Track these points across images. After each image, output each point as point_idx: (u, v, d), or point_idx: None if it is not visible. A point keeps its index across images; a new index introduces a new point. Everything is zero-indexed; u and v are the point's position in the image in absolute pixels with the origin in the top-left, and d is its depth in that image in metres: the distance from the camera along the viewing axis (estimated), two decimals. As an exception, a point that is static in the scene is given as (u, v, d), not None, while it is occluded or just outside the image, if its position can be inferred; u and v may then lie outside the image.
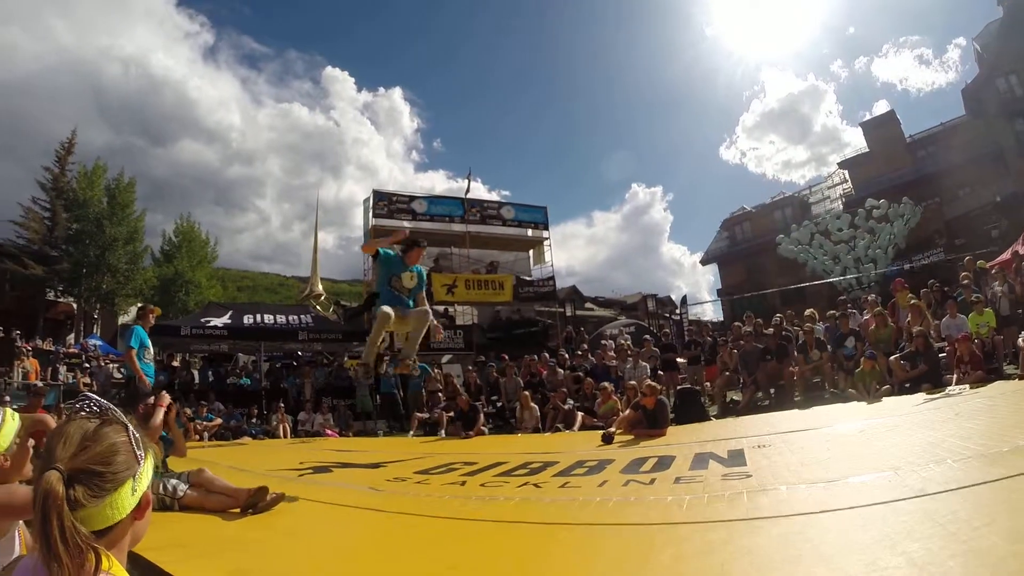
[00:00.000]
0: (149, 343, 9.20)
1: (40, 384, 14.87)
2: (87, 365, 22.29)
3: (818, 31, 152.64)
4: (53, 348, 23.40)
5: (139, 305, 36.96)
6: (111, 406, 1.45)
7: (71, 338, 32.23)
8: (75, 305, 35.13)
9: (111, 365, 22.53)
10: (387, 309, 6.97)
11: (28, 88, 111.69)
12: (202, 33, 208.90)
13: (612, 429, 9.87)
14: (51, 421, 3.33)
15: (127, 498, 1.37)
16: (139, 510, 1.42)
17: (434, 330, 7.81)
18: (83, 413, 1.42)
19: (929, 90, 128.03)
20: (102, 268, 33.84)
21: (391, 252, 7.29)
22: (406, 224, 26.02)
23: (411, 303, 7.41)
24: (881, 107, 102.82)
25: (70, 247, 33.72)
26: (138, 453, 1.43)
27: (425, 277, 7.62)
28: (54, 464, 1.29)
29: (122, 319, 36.68)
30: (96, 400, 1.45)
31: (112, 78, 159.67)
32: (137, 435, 1.45)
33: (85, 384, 19.47)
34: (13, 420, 2.87)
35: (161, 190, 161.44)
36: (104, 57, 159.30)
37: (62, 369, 20.79)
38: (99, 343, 27.42)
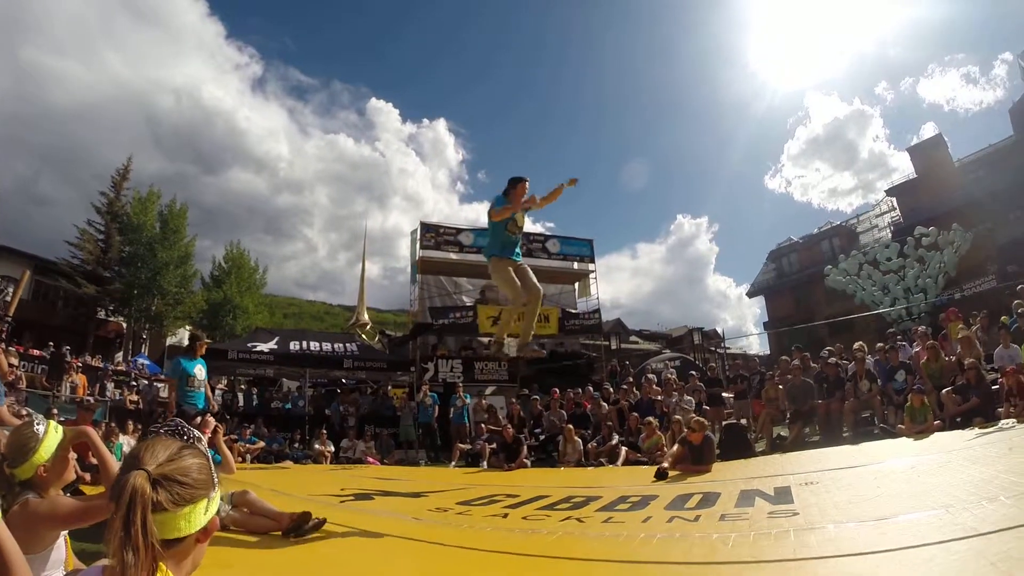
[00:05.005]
0: (195, 371, 9.36)
1: (90, 399, 15.17)
2: (134, 383, 22.63)
3: (862, 53, 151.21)
4: (102, 365, 23.76)
5: (188, 328, 37.82)
6: (196, 434, 1.61)
7: (119, 356, 32.88)
8: (125, 325, 36.16)
9: (158, 385, 22.89)
10: (502, 263, 7.57)
11: (86, 116, 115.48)
12: (251, 65, 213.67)
13: (665, 465, 9.74)
14: (93, 432, 3.45)
15: (200, 515, 1.49)
16: (205, 532, 1.52)
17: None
18: (166, 435, 1.56)
19: (977, 109, 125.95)
20: (152, 290, 34.74)
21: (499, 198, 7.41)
22: (453, 256, 26.33)
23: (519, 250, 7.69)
24: (929, 130, 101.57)
25: (122, 269, 34.80)
26: (214, 478, 1.55)
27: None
28: (142, 467, 1.41)
29: (170, 340, 37.44)
30: (184, 427, 1.62)
31: (165, 108, 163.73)
32: (213, 465, 1.58)
33: (132, 402, 19.75)
34: (56, 433, 3.02)
35: (211, 217, 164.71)
36: (157, 88, 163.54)
37: (110, 386, 21.06)
38: (147, 362, 27.89)
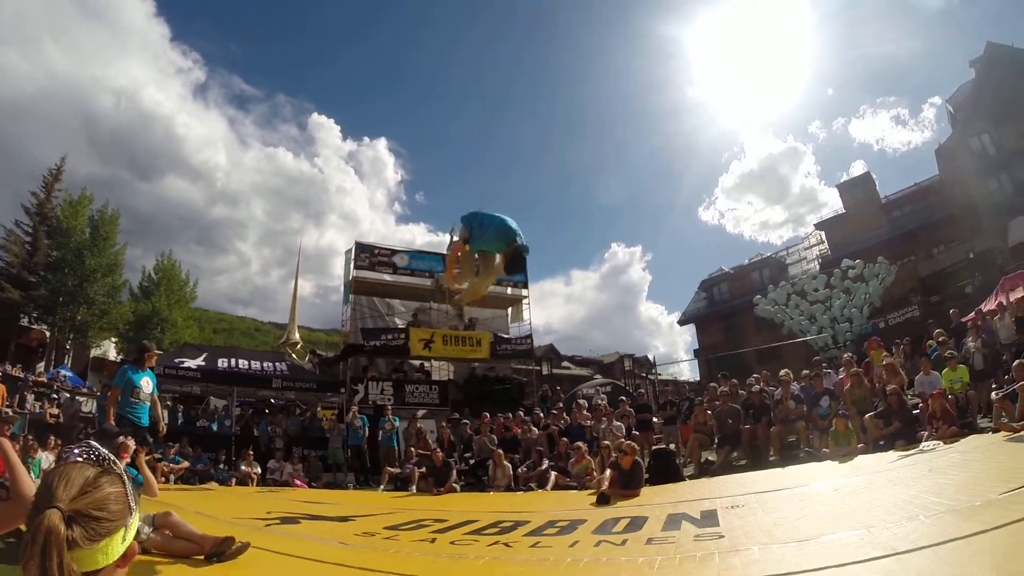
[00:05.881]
0: (141, 383, 8.93)
1: (8, 412, 14.49)
2: (55, 396, 21.72)
3: (797, 93, 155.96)
4: (22, 375, 22.73)
5: (114, 341, 36.42)
6: (112, 457, 1.53)
7: (41, 366, 31.53)
8: (48, 333, 34.35)
9: (80, 399, 22.02)
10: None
11: (20, 111, 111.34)
12: (194, 70, 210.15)
13: (604, 489, 9.66)
14: (7, 444, 3.29)
15: (117, 545, 1.43)
16: (124, 559, 1.47)
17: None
18: (83, 459, 1.49)
19: (905, 150, 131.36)
20: (79, 298, 33.21)
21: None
22: (386, 278, 26.10)
23: None
24: (858, 167, 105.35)
25: (49, 274, 33.11)
26: (131, 505, 1.49)
27: None
28: (55, 503, 1.36)
29: (94, 352, 36.06)
30: (98, 449, 1.53)
31: (103, 108, 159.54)
32: (131, 488, 1.52)
33: (52, 415, 18.96)
34: None
35: (143, 225, 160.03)
36: (97, 86, 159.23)
37: (30, 397, 20.16)
38: (69, 374, 26.71)
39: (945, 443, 9.76)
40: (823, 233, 41.38)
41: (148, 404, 9.07)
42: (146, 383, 9.03)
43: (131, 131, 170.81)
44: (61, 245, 33.24)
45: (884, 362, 13.66)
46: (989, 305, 17.14)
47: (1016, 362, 11.10)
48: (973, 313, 16.17)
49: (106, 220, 35.05)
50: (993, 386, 11.63)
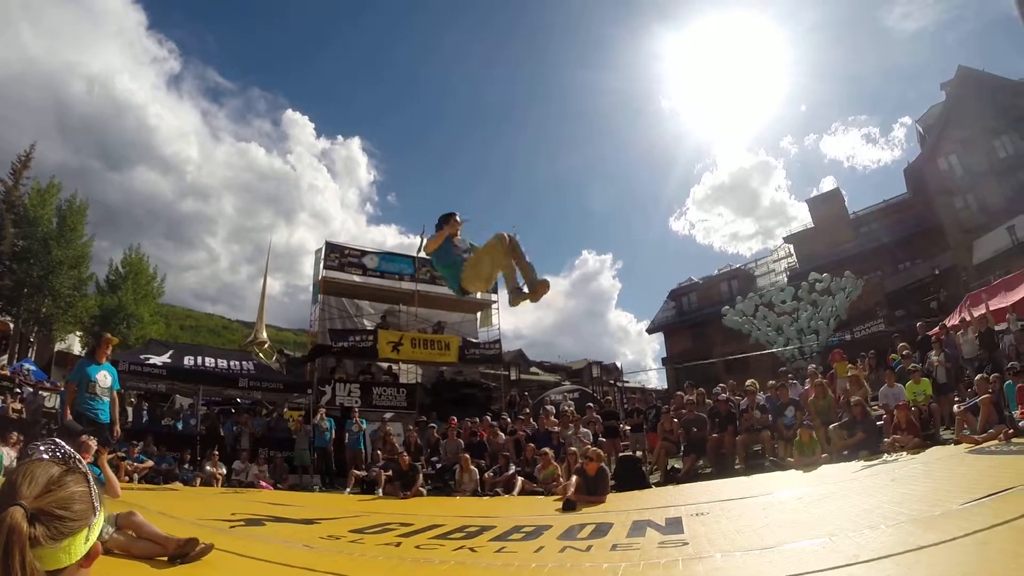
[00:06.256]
0: (97, 377, 8.52)
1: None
2: (18, 390, 21.25)
3: (771, 108, 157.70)
4: (-16, 368, 22.30)
5: (79, 335, 35.63)
6: (77, 456, 1.51)
7: (4, 359, 30.75)
8: (12, 325, 33.34)
9: (43, 394, 21.57)
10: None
11: None
12: (169, 60, 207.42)
13: (570, 495, 9.66)
14: None
15: (80, 545, 1.41)
16: (87, 559, 1.45)
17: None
18: (48, 457, 1.47)
19: (874, 167, 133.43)
20: (44, 290, 32.37)
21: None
22: (356, 279, 25.96)
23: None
24: (828, 183, 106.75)
25: (14, 264, 32.25)
26: (95, 505, 1.47)
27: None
28: (19, 501, 1.34)
29: (58, 346, 35.28)
30: (63, 447, 1.51)
31: (75, 95, 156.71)
32: (96, 487, 1.50)
33: (15, 410, 18.54)
34: None
35: (112, 216, 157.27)
36: (70, 72, 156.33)
37: (-8, 391, 19.76)
38: (33, 368, 26.11)
39: (908, 454, 9.96)
40: (792, 246, 41.97)
41: (107, 399, 8.69)
42: (103, 377, 8.65)
43: (103, 119, 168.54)
44: (28, 235, 32.42)
45: (849, 374, 13.84)
46: (953, 320, 17.48)
47: (978, 376, 11.38)
48: (937, 328, 16.43)
49: (74, 210, 34.26)
50: (956, 399, 11.87)
